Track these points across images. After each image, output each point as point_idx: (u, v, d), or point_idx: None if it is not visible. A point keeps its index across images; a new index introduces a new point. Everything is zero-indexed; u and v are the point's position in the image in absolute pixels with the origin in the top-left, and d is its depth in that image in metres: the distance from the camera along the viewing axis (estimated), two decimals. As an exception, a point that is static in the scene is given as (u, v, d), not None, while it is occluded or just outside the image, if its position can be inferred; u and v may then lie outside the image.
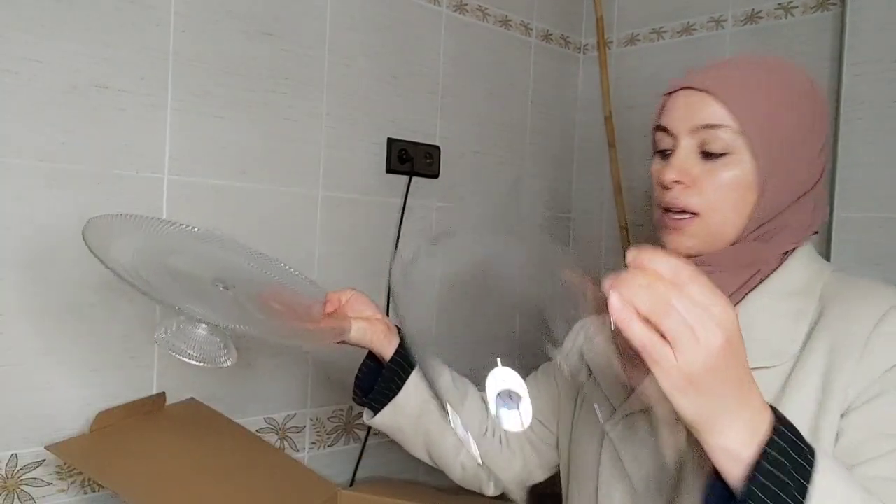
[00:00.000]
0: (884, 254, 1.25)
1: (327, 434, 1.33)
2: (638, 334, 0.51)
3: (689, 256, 0.76)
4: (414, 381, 0.99)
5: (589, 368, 0.90)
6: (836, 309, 0.73)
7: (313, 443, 1.31)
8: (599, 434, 0.84)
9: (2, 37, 0.96)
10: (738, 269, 0.76)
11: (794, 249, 0.78)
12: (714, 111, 0.74)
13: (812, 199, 0.78)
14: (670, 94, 0.79)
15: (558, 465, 0.99)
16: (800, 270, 0.77)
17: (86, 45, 1.03)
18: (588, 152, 1.76)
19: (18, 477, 0.99)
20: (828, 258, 1.30)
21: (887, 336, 0.69)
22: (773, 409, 0.56)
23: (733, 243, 0.76)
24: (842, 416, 0.68)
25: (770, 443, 0.53)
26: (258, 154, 1.21)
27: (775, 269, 0.77)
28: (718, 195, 0.74)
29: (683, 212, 0.76)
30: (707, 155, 0.75)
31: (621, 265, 1.60)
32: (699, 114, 0.75)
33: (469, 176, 1.54)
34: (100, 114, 1.04)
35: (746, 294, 0.76)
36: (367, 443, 1.38)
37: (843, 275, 0.78)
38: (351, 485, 1.36)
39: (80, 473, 1.04)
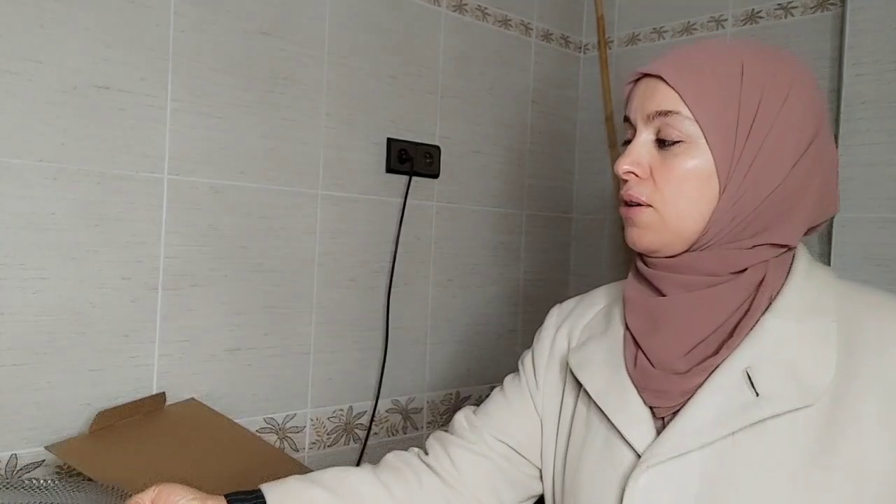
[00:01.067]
0: (884, 254, 1.25)
1: (327, 434, 1.33)
2: None
3: (651, 253, 0.72)
4: None
5: (579, 384, 0.78)
6: (870, 333, 0.65)
7: (313, 443, 1.31)
8: (617, 480, 0.70)
9: (2, 37, 0.96)
10: (732, 279, 0.69)
11: (791, 257, 0.71)
12: (665, 97, 0.69)
13: (803, 198, 0.69)
14: (632, 82, 0.75)
15: (541, 494, 0.86)
16: (805, 283, 0.69)
17: (86, 45, 1.03)
18: (588, 152, 1.76)
19: (18, 477, 0.99)
20: (828, 258, 1.30)
21: None
22: None
23: (701, 244, 0.70)
24: None
25: None
26: (258, 154, 1.21)
27: (783, 284, 0.69)
28: (672, 186, 0.69)
29: (639, 204, 0.72)
30: (662, 143, 0.70)
31: (622, 266, 1.62)
32: (652, 101, 0.70)
33: (469, 176, 1.54)
34: (100, 114, 1.04)
35: (760, 317, 0.68)
36: (368, 443, 1.38)
37: (850, 285, 0.71)
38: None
39: (80, 473, 1.04)
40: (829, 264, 1.29)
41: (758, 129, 0.67)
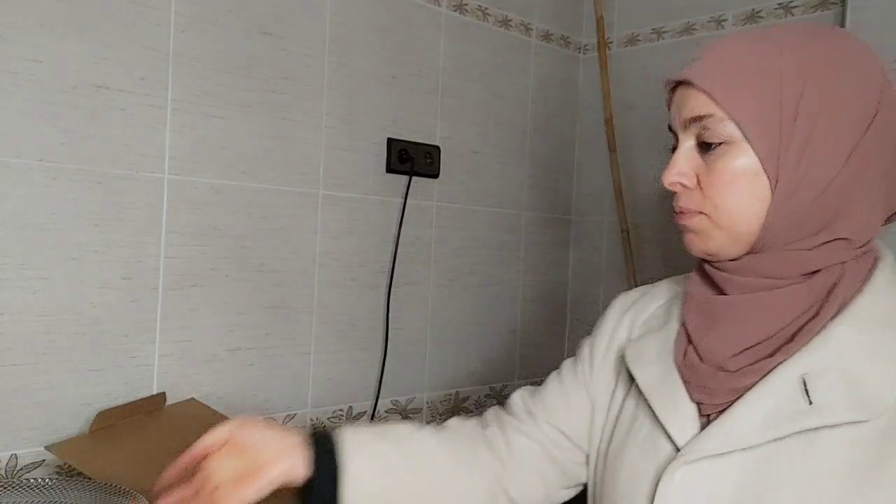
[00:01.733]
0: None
1: (327, 434, 1.33)
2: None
3: (709, 257, 0.70)
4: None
5: (631, 377, 0.76)
6: None
7: (313, 443, 1.31)
8: (654, 472, 0.69)
9: (2, 37, 0.96)
10: (802, 281, 0.66)
11: (874, 262, 0.67)
12: (698, 101, 0.67)
13: (867, 187, 0.65)
14: (670, 90, 0.73)
15: (585, 482, 0.86)
16: (884, 291, 0.65)
17: (86, 45, 1.03)
18: (588, 153, 1.76)
19: (18, 477, 0.99)
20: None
21: None
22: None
23: (761, 245, 0.67)
24: None
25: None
26: (258, 154, 1.21)
27: (859, 291, 0.65)
28: (720, 190, 0.66)
29: (692, 212, 0.69)
30: (704, 147, 0.68)
31: (622, 267, 1.62)
32: (686, 107, 0.68)
33: (469, 176, 1.54)
34: (100, 114, 1.04)
35: (827, 323, 0.64)
36: (367, 443, 1.38)
37: None
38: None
39: (80, 473, 1.04)
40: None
41: (804, 118, 0.63)
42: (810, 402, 0.61)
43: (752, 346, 0.66)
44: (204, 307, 1.16)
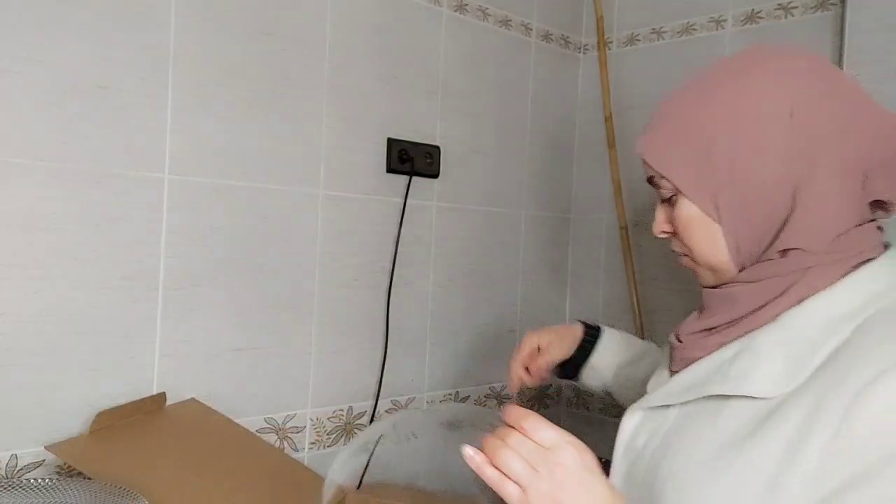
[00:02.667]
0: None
1: (327, 434, 1.33)
2: (488, 476, 0.63)
3: (712, 285, 0.79)
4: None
5: None
6: (852, 347, 0.65)
7: (313, 443, 1.31)
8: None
9: (2, 37, 0.96)
10: (757, 282, 0.73)
11: (856, 266, 0.71)
12: (647, 166, 0.80)
13: (811, 202, 0.69)
14: None
15: None
16: (849, 293, 0.69)
17: (86, 45, 1.03)
18: (588, 152, 1.76)
19: (18, 477, 0.99)
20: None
21: (874, 413, 0.60)
22: None
23: (743, 265, 0.75)
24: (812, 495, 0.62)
25: None
26: (258, 154, 1.21)
27: (825, 289, 0.70)
28: (686, 235, 0.78)
29: (681, 255, 0.82)
30: (665, 201, 0.80)
31: (621, 265, 1.62)
32: (644, 171, 0.81)
33: (469, 176, 1.54)
34: (100, 114, 1.04)
35: (782, 312, 0.71)
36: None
37: None
38: (359, 486, 1.36)
39: (80, 473, 1.04)
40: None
41: (720, 157, 0.72)
42: (726, 375, 0.71)
43: (717, 327, 0.76)
44: (204, 307, 1.16)
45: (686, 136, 0.75)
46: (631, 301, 1.63)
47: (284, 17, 1.24)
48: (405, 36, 1.41)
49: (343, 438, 1.35)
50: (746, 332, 0.72)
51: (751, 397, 0.68)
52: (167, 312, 1.12)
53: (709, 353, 0.75)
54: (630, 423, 0.81)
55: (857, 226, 0.71)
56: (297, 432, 1.29)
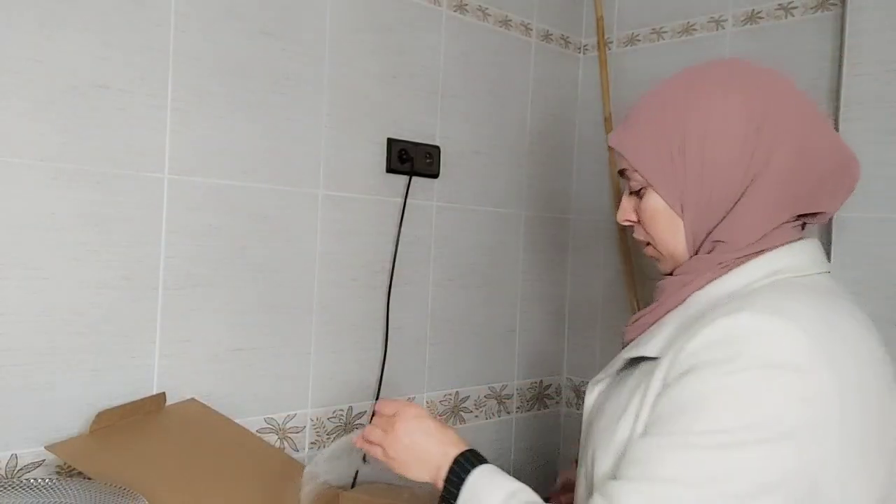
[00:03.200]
0: (884, 254, 1.25)
1: (327, 434, 1.33)
2: (366, 448, 0.92)
3: (670, 272, 0.88)
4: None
5: None
6: (711, 314, 0.75)
7: (313, 443, 1.31)
8: None
9: (2, 37, 0.96)
10: (682, 276, 0.84)
11: (760, 254, 0.80)
12: (619, 159, 0.88)
13: (749, 203, 0.79)
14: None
15: None
16: (744, 275, 0.79)
17: (86, 45, 1.03)
18: (588, 153, 1.76)
19: (18, 477, 0.99)
20: (827, 259, 1.30)
21: (689, 349, 0.72)
22: (464, 452, 0.85)
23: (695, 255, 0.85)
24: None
25: (449, 471, 0.83)
26: (258, 154, 1.21)
27: (727, 273, 0.81)
28: (649, 226, 0.86)
29: (644, 244, 0.90)
30: (634, 193, 0.87)
31: (620, 265, 1.63)
32: (617, 162, 0.90)
33: (469, 176, 1.54)
34: (100, 114, 1.04)
35: (692, 294, 0.82)
36: (367, 443, 1.38)
37: (775, 285, 0.77)
38: (353, 485, 1.36)
39: (80, 473, 1.04)
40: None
41: (691, 158, 0.80)
42: (636, 344, 0.83)
43: (646, 314, 0.86)
44: (204, 307, 1.16)
45: (661, 136, 0.82)
46: (630, 301, 1.63)
47: (284, 17, 1.24)
48: (405, 36, 1.41)
49: (343, 438, 1.35)
50: (666, 313, 0.84)
51: (649, 358, 0.79)
52: (167, 312, 1.12)
53: (641, 332, 0.86)
54: (589, 399, 0.91)
55: (779, 226, 0.80)
56: (297, 432, 1.29)
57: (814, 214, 0.83)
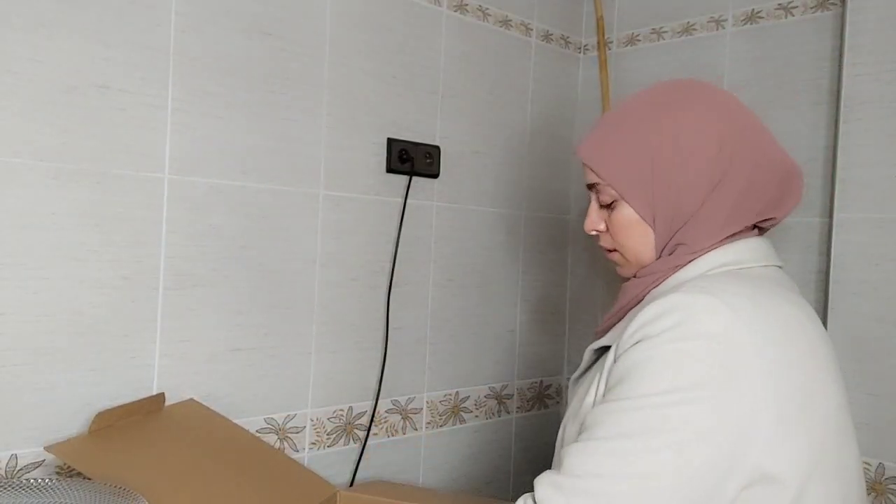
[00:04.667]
0: (884, 254, 1.25)
1: (327, 434, 1.33)
2: None
3: (630, 277, 0.94)
4: None
5: None
6: (638, 314, 0.81)
7: (313, 443, 1.31)
8: None
9: (2, 37, 0.96)
10: (645, 277, 0.90)
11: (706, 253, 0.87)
12: (589, 173, 0.93)
13: (711, 209, 0.85)
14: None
15: None
16: (690, 270, 0.86)
17: (86, 45, 1.03)
18: (588, 152, 1.76)
19: (18, 477, 0.99)
20: (827, 259, 1.30)
21: (632, 328, 0.79)
22: None
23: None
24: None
25: None
26: (258, 154, 1.21)
27: (678, 271, 0.88)
28: (619, 236, 0.92)
29: (610, 251, 0.96)
30: (603, 205, 0.93)
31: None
32: (585, 176, 0.94)
33: (469, 176, 1.54)
34: (100, 114, 1.04)
35: (650, 291, 0.89)
36: (367, 443, 1.38)
37: (716, 274, 0.85)
38: (351, 485, 1.36)
39: (80, 473, 1.04)
40: (828, 264, 1.30)
41: (661, 173, 0.86)
42: (602, 336, 0.91)
43: (611, 316, 0.93)
44: (204, 307, 1.16)
45: (632, 153, 0.88)
46: (631, 301, 1.63)
47: (284, 16, 1.24)
48: (405, 36, 1.41)
49: (343, 438, 1.35)
50: (628, 312, 0.90)
51: (607, 347, 0.87)
52: (167, 312, 1.12)
53: (606, 332, 0.92)
54: (571, 391, 0.96)
55: (734, 233, 0.87)
56: (297, 432, 1.29)
57: (765, 220, 0.90)
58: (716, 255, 0.87)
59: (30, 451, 1.00)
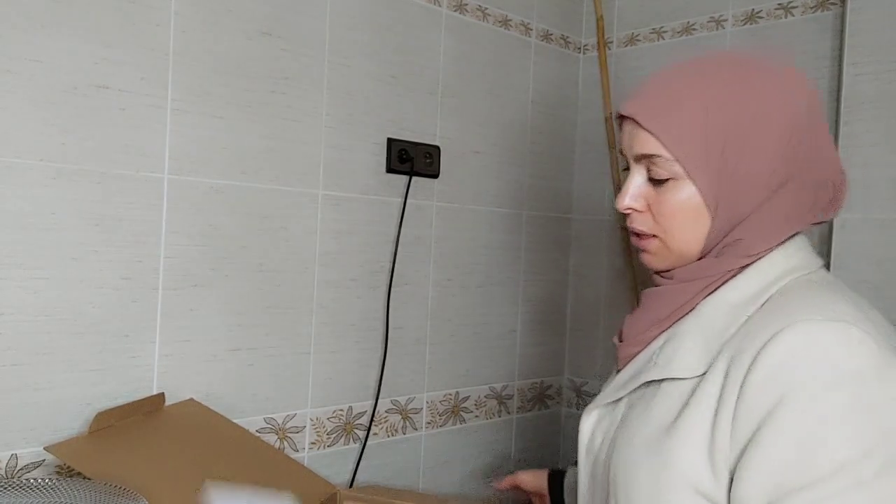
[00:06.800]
0: (884, 255, 1.25)
1: (327, 434, 1.33)
2: None
3: (664, 273, 0.82)
4: None
5: None
6: (751, 325, 0.71)
7: (313, 443, 1.31)
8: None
9: (2, 37, 0.96)
10: (689, 282, 0.78)
11: (758, 259, 0.77)
12: (646, 141, 0.77)
13: (775, 207, 0.75)
14: (619, 118, 0.82)
15: None
16: (753, 280, 0.75)
17: (86, 45, 1.03)
18: (588, 153, 1.76)
19: (18, 477, 0.99)
20: (828, 259, 1.30)
21: (764, 368, 0.66)
22: None
23: (700, 258, 0.79)
24: (731, 458, 0.68)
25: None
26: (258, 154, 1.21)
27: (733, 278, 0.77)
28: (669, 220, 0.77)
29: (647, 236, 0.80)
30: (654, 180, 0.78)
31: (621, 265, 1.62)
32: (636, 143, 0.78)
33: (469, 176, 1.54)
34: (100, 114, 1.04)
35: (700, 302, 0.77)
36: (367, 443, 1.38)
37: (801, 285, 0.75)
38: (351, 485, 1.36)
39: (80, 473, 1.04)
40: (829, 264, 1.29)
41: (733, 156, 0.74)
42: (655, 363, 0.77)
43: (652, 325, 0.80)
44: (204, 307, 1.16)
45: (708, 128, 0.74)
46: (632, 302, 1.63)
47: (284, 17, 1.24)
48: (405, 36, 1.41)
49: (343, 438, 1.35)
50: (673, 323, 0.78)
51: (677, 379, 0.74)
52: (167, 312, 1.12)
53: (644, 348, 0.81)
54: (587, 424, 0.85)
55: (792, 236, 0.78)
56: (297, 432, 1.29)
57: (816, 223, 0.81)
58: (779, 260, 0.76)
59: (30, 451, 1.00)
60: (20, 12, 0.97)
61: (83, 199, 1.03)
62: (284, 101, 1.24)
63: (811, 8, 1.40)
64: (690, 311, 0.77)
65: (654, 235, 0.79)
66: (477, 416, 1.59)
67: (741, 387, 0.67)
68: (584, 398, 1.74)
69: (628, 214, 0.81)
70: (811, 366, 0.65)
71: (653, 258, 0.81)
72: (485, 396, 1.60)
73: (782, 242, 0.77)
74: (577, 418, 1.70)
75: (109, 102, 1.05)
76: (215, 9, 1.15)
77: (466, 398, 1.56)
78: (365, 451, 1.37)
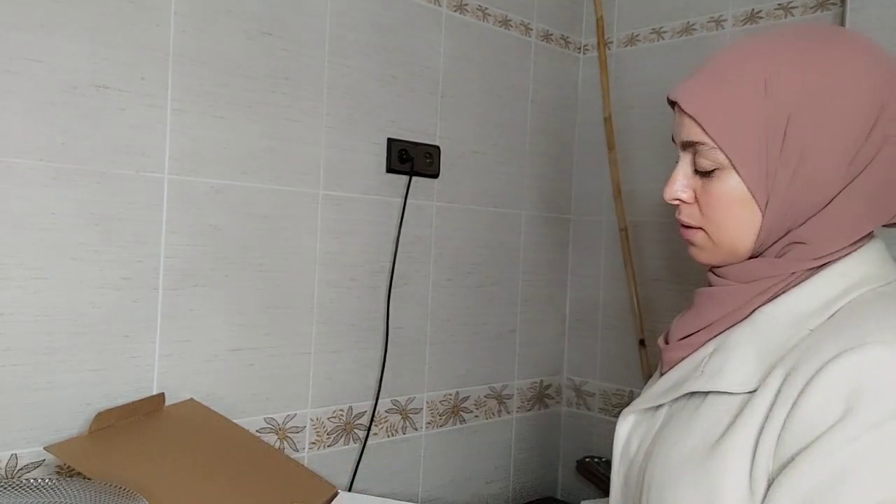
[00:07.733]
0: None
1: (327, 434, 1.33)
2: None
3: (712, 267, 0.77)
4: None
5: None
6: (813, 338, 0.65)
7: (313, 443, 1.31)
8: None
9: (2, 37, 0.96)
10: (746, 283, 0.72)
11: (827, 264, 0.70)
12: (691, 128, 0.72)
13: (847, 201, 0.68)
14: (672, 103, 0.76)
15: None
16: (822, 289, 0.69)
17: (86, 45, 1.03)
18: (588, 153, 1.76)
19: (18, 477, 0.99)
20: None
21: (823, 388, 0.61)
22: None
23: (753, 256, 0.73)
24: (770, 477, 0.64)
25: None
26: (258, 154, 1.21)
27: (797, 285, 0.70)
28: (714, 212, 0.72)
29: (694, 229, 0.76)
30: (701, 171, 0.73)
31: (621, 266, 1.62)
32: (682, 130, 0.73)
33: (469, 176, 1.54)
34: (100, 114, 1.04)
35: (756, 308, 0.71)
36: (367, 443, 1.38)
37: (875, 298, 0.67)
38: (351, 485, 1.36)
39: (80, 473, 1.04)
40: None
41: (792, 143, 0.67)
42: (702, 372, 0.72)
43: (701, 329, 0.75)
44: (204, 307, 1.16)
45: (760, 115, 0.67)
46: (631, 302, 1.63)
47: (284, 16, 1.24)
48: (405, 36, 1.41)
49: (343, 438, 1.35)
50: (724, 330, 0.73)
51: (725, 393, 0.69)
52: (167, 312, 1.12)
53: (691, 353, 0.76)
54: (624, 428, 0.82)
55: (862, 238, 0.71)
56: (297, 432, 1.29)
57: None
58: (853, 266, 0.69)
59: (30, 451, 1.00)
60: (20, 12, 0.97)
61: (83, 199, 1.03)
62: (284, 101, 1.24)
63: (811, 8, 1.40)
64: (745, 318, 0.72)
65: (700, 228, 0.75)
66: (477, 416, 1.59)
67: (793, 404, 0.62)
68: (583, 398, 1.74)
69: (676, 205, 0.76)
70: (878, 396, 0.58)
71: (699, 252, 0.76)
72: (484, 396, 1.60)
73: (855, 244, 0.70)
74: (578, 418, 1.71)
75: (109, 102, 1.05)
76: (215, 9, 1.15)
77: (466, 398, 1.56)
78: (365, 451, 1.37)
